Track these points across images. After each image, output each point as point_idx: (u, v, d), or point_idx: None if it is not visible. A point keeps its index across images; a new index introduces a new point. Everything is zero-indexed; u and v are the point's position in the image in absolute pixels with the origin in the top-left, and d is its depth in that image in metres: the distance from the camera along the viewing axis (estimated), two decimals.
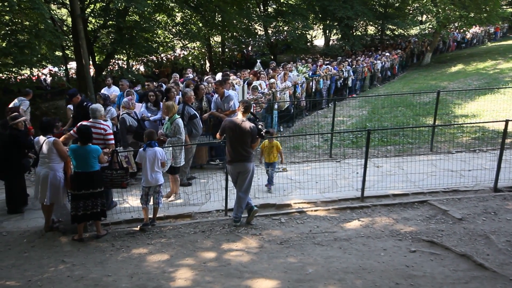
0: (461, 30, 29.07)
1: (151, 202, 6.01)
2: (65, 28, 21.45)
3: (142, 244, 5.54)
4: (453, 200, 6.38)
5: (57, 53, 20.53)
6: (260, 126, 5.86)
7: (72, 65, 22.80)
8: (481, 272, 4.44)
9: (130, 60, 22.74)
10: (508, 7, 34.79)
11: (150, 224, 5.99)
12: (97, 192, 5.65)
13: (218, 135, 6.04)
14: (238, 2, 23.16)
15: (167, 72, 23.55)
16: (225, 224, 6.00)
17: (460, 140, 9.73)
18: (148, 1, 18.20)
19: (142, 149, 5.98)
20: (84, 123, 6.18)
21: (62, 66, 21.02)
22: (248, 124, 5.71)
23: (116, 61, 22.37)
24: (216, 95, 8.52)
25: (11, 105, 9.91)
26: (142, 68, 23.81)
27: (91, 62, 18.26)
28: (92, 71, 18.62)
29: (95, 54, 20.21)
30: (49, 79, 23.27)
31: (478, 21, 23.97)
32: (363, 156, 6.91)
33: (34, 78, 22.46)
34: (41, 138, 5.84)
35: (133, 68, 22.37)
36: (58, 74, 23.38)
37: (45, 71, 23.46)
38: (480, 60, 22.67)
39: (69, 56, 22.27)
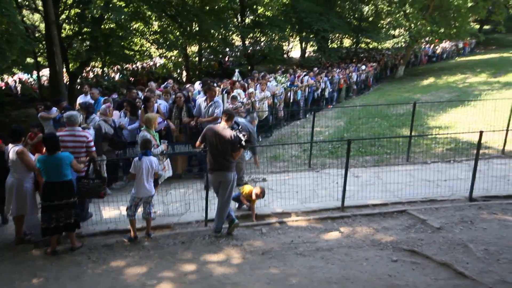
0: (432, 45, 30.13)
1: (139, 211, 5.80)
2: (37, 34, 20.88)
3: (120, 256, 5.35)
4: (431, 210, 6.47)
5: (28, 60, 19.98)
6: (241, 136, 5.77)
7: (45, 72, 22.17)
8: (462, 281, 4.50)
9: (105, 68, 22.33)
10: (475, 23, 36.26)
11: (146, 235, 5.81)
12: (71, 203, 5.38)
13: (198, 143, 5.90)
14: (216, 12, 23.24)
15: (143, 81, 23.23)
16: (205, 235, 5.88)
17: (435, 151, 9.96)
18: (126, 9, 18.00)
19: (137, 158, 5.65)
20: (61, 132, 5.95)
21: (34, 72, 20.39)
22: (229, 132, 5.62)
23: (91, 69, 21.91)
24: (203, 98, 8.37)
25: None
26: (117, 77, 23.43)
27: (64, 69, 17.81)
28: (65, 79, 18.16)
29: (69, 61, 19.74)
30: (19, 86, 22.58)
31: (448, 36, 24.89)
32: (342, 166, 6.96)
33: (3, 85, 21.79)
34: (10, 146, 5.60)
35: (109, 76, 21.98)
36: (28, 82, 22.70)
37: (15, 77, 22.76)
38: (450, 74, 23.43)
39: (42, 63, 21.66)
